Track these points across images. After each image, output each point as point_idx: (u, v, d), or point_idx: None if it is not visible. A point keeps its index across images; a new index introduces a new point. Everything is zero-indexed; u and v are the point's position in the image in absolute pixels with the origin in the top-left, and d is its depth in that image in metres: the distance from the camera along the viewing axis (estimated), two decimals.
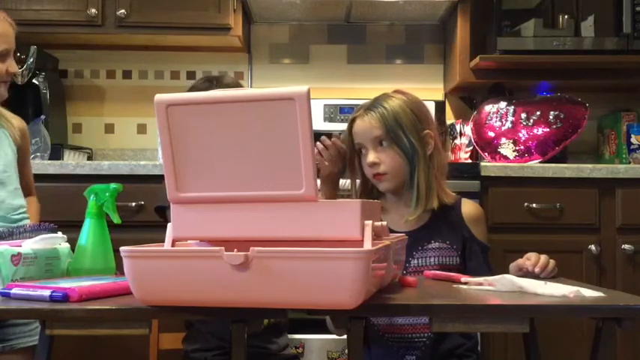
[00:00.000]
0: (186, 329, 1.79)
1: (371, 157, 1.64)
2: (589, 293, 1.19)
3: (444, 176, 1.69)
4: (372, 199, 1.67)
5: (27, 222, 1.79)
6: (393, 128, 1.62)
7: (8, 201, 1.79)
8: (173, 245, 1.15)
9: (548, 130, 2.71)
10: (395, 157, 1.63)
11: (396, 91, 1.70)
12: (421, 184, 1.62)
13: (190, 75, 3.13)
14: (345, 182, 1.83)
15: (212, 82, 1.89)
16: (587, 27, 2.68)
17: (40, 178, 2.29)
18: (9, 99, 1.88)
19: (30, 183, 1.99)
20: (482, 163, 2.47)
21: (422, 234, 1.65)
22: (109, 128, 3.13)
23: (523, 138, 2.72)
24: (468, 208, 1.71)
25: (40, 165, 2.38)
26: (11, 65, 1.81)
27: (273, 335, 1.77)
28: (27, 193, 1.92)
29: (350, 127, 1.69)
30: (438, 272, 1.47)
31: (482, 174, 2.41)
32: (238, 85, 2.03)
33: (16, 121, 1.94)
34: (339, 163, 1.73)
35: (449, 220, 1.67)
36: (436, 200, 1.63)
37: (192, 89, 1.87)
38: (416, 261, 1.63)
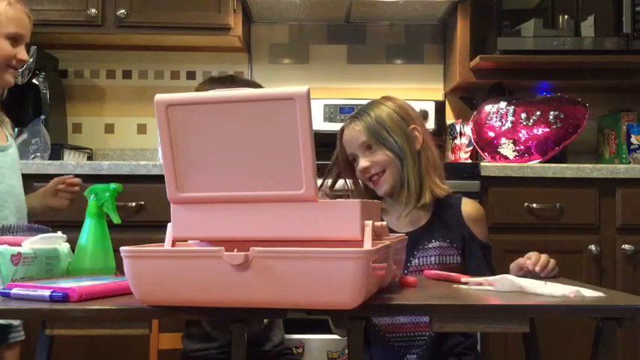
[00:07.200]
0: (185, 328, 1.79)
1: (362, 162, 1.67)
2: (589, 293, 1.19)
3: (437, 171, 1.69)
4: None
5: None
6: (376, 131, 1.64)
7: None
8: (173, 245, 1.15)
9: (548, 130, 2.71)
10: (384, 156, 1.65)
11: (384, 98, 1.73)
12: (411, 180, 1.63)
13: (190, 75, 3.13)
14: (342, 183, 1.83)
15: (224, 82, 1.84)
16: (587, 27, 2.68)
17: (40, 178, 2.29)
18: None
19: None
20: (483, 163, 2.47)
21: (422, 234, 1.66)
22: (109, 128, 3.13)
23: (523, 138, 2.72)
24: (468, 207, 1.71)
25: (40, 165, 2.38)
26: (22, 52, 1.78)
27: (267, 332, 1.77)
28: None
29: (340, 138, 1.72)
30: (438, 272, 1.47)
31: (483, 174, 2.41)
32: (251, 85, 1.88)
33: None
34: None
35: (449, 218, 1.68)
36: (429, 195, 1.64)
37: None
38: (417, 260, 1.64)
